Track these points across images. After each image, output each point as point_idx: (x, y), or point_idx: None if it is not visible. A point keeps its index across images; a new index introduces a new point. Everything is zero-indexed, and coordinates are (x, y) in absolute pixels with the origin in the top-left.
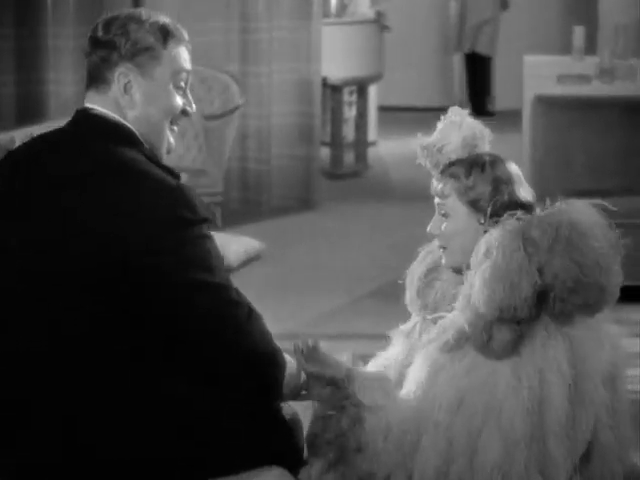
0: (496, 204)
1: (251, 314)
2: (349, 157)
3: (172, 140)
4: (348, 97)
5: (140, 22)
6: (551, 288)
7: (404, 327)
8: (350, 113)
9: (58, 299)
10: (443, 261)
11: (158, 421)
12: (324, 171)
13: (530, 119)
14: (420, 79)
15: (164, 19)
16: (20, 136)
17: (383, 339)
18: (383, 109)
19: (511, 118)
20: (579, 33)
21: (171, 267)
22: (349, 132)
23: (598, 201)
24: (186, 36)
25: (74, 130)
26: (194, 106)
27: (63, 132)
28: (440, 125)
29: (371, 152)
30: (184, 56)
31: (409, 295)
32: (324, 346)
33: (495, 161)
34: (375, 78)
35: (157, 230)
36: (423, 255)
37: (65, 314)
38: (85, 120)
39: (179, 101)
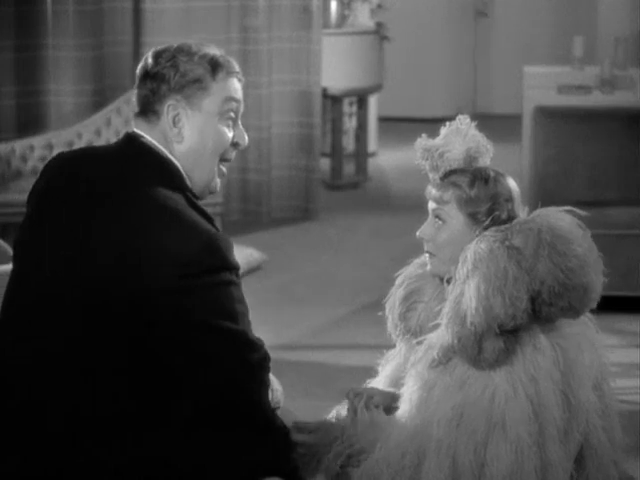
0: (494, 219)
1: (263, 363)
2: (349, 168)
3: (218, 181)
4: (348, 108)
5: (190, 54)
6: (538, 294)
7: (390, 354)
8: (350, 124)
9: (75, 309)
10: (429, 267)
11: (156, 436)
12: (324, 182)
13: (530, 129)
14: (420, 90)
15: (214, 51)
16: (21, 147)
17: (383, 349)
18: (383, 120)
19: (510, 122)
20: (579, 43)
21: (190, 309)
22: (349, 143)
23: (571, 208)
24: (237, 67)
25: (125, 156)
26: (246, 138)
27: (113, 154)
28: (445, 130)
29: (371, 163)
30: (234, 86)
31: (391, 320)
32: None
33: (498, 177)
34: (375, 89)
35: (178, 271)
36: (401, 280)
37: (77, 324)
38: (135, 149)
39: (228, 133)
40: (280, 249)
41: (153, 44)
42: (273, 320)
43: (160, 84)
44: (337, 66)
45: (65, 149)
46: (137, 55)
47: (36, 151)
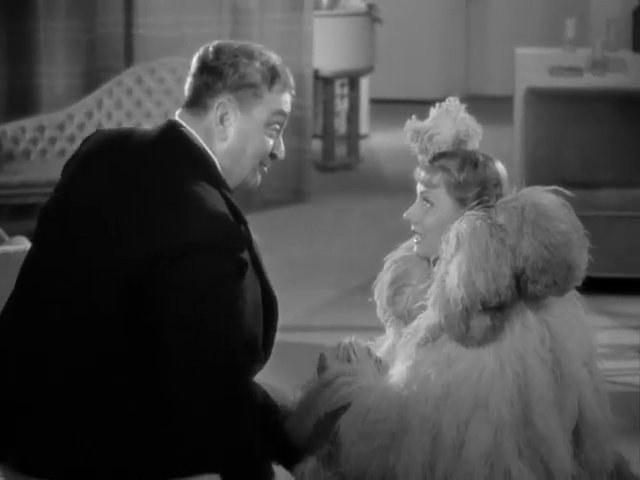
0: (482, 204)
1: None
2: (341, 150)
3: (259, 179)
4: (340, 89)
5: (252, 57)
6: (522, 271)
7: (380, 340)
8: (342, 105)
9: (85, 279)
10: (415, 249)
11: (157, 435)
12: (316, 164)
13: (522, 111)
14: (412, 71)
15: (275, 60)
16: (12, 129)
17: (375, 331)
18: (375, 101)
19: (503, 104)
20: (571, 25)
21: (176, 282)
22: (341, 125)
23: (557, 188)
24: (292, 82)
25: (164, 143)
26: (283, 150)
27: (152, 139)
28: (434, 112)
29: (363, 145)
30: (285, 99)
31: (380, 305)
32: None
33: (487, 161)
34: (367, 70)
35: (180, 245)
36: (389, 264)
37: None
38: (175, 137)
39: (269, 144)
40: (271, 231)
41: (145, 25)
42: None
43: (216, 79)
44: (329, 48)
45: (56, 131)
46: (129, 37)
47: (27, 133)
